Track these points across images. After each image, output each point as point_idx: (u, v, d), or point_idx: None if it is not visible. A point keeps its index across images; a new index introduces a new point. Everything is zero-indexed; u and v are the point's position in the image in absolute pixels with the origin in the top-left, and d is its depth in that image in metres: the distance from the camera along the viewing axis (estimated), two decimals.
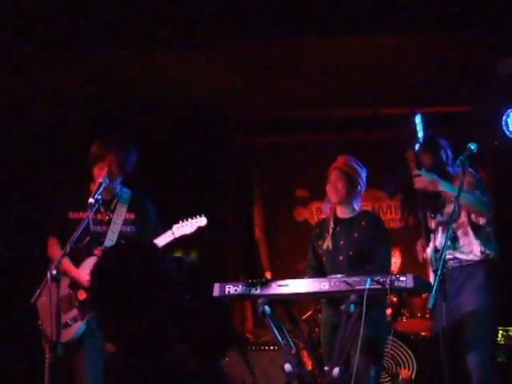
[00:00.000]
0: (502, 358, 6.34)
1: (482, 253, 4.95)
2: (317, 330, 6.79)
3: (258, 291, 4.88)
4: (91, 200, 4.85)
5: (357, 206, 5.35)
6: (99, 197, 4.91)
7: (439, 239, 5.04)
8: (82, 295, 5.01)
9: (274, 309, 4.92)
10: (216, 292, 4.96)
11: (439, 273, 4.29)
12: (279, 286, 4.87)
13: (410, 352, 6.92)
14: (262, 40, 6.93)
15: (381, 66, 7.52)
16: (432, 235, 5.12)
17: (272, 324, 4.90)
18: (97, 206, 4.96)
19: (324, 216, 5.56)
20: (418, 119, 5.14)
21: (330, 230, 5.31)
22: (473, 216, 4.98)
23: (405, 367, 6.88)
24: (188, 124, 8.52)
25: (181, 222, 5.02)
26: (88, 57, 6.98)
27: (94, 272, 3.11)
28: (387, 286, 4.59)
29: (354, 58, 7.37)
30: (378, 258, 5.14)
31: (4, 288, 7.17)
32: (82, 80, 7.39)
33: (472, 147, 4.89)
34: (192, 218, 5.04)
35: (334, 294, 4.78)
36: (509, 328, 6.81)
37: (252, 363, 6.79)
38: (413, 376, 6.86)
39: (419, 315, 7.40)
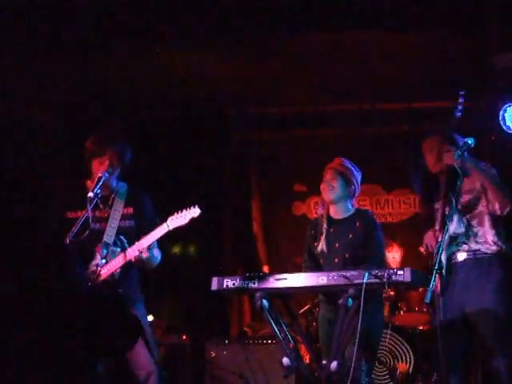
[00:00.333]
0: None
1: (495, 244, 4.92)
2: (314, 324, 6.80)
3: (256, 285, 4.90)
4: (90, 194, 4.85)
5: (351, 207, 5.36)
6: (99, 191, 4.91)
7: (454, 227, 5.03)
8: None
9: (272, 303, 4.94)
10: (214, 286, 4.98)
11: (436, 267, 4.31)
12: (277, 279, 4.89)
13: (407, 346, 6.95)
14: (261, 36, 6.95)
15: (378, 61, 7.54)
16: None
17: (270, 318, 4.92)
18: (96, 201, 4.96)
19: (317, 216, 5.56)
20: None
21: (324, 232, 5.31)
22: (491, 206, 4.95)
23: (402, 361, 6.91)
24: (186, 119, 8.53)
25: (175, 213, 5.00)
26: (85, 55, 7.00)
27: None
28: (385, 280, 4.61)
29: (352, 54, 7.39)
30: (372, 258, 5.14)
31: None
32: (79, 79, 7.40)
33: (469, 142, 4.90)
34: (186, 209, 5.03)
35: (332, 287, 4.80)
36: None
37: (250, 357, 6.81)
38: (410, 369, 6.89)
39: (416, 309, 7.42)
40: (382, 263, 5.30)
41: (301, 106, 8.84)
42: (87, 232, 4.85)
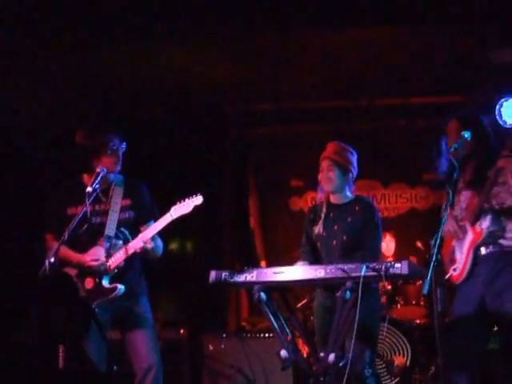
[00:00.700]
0: (495, 345, 6.38)
1: None
2: (312, 318, 6.83)
3: (254, 278, 4.91)
4: (89, 189, 4.86)
5: (350, 192, 5.36)
6: (97, 186, 4.92)
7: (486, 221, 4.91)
8: (89, 284, 5.03)
9: (270, 296, 4.96)
10: (212, 279, 5.00)
11: (434, 259, 4.32)
12: (275, 273, 4.90)
13: (404, 339, 6.98)
14: (259, 31, 6.96)
15: (374, 57, 7.56)
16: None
17: (268, 311, 4.93)
18: (95, 196, 4.98)
19: (317, 202, 5.59)
20: None
21: (322, 216, 5.33)
22: None
23: (399, 354, 6.94)
24: (184, 115, 8.54)
25: (178, 203, 5.03)
26: (87, 52, 7.01)
27: None
28: (382, 273, 4.63)
29: (349, 50, 7.41)
30: (369, 244, 5.17)
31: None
32: (78, 75, 7.42)
33: (466, 135, 4.89)
34: (189, 198, 5.06)
35: (330, 280, 4.81)
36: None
37: (248, 350, 6.83)
38: (407, 363, 6.93)
39: (414, 302, 7.46)
40: (378, 250, 5.34)
41: (298, 101, 8.86)
42: (85, 226, 4.88)
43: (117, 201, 5.12)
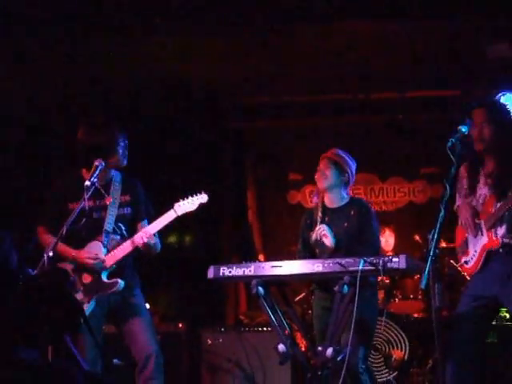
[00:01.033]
0: (494, 339, 6.40)
1: None
2: (310, 311, 6.84)
3: (252, 272, 4.92)
4: (87, 183, 4.86)
5: (345, 195, 5.37)
6: (95, 179, 4.92)
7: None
8: (86, 279, 5.04)
9: (268, 290, 4.97)
10: (211, 274, 5.01)
11: (431, 253, 4.31)
12: (273, 267, 4.92)
13: (402, 333, 6.99)
14: (257, 26, 6.96)
15: (371, 51, 7.56)
16: None
17: (266, 305, 4.95)
18: (96, 190, 4.99)
19: (312, 205, 5.58)
20: None
21: (319, 221, 5.31)
22: None
23: (397, 348, 6.96)
24: (182, 109, 8.54)
25: (181, 200, 5.04)
26: (86, 43, 7.01)
27: None
28: (380, 267, 4.64)
29: (346, 44, 7.41)
30: (368, 241, 5.18)
31: None
32: (77, 68, 7.42)
33: (463, 129, 4.85)
34: (192, 196, 5.07)
35: (328, 275, 4.81)
36: (500, 309, 6.87)
37: (246, 344, 6.85)
38: (405, 356, 6.94)
39: (411, 297, 7.47)
40: (377, 251, 5.31)
41: (296, 95, 8.86)
42: (84, 220, 4.87)
43: (116, 196, 5.13)
